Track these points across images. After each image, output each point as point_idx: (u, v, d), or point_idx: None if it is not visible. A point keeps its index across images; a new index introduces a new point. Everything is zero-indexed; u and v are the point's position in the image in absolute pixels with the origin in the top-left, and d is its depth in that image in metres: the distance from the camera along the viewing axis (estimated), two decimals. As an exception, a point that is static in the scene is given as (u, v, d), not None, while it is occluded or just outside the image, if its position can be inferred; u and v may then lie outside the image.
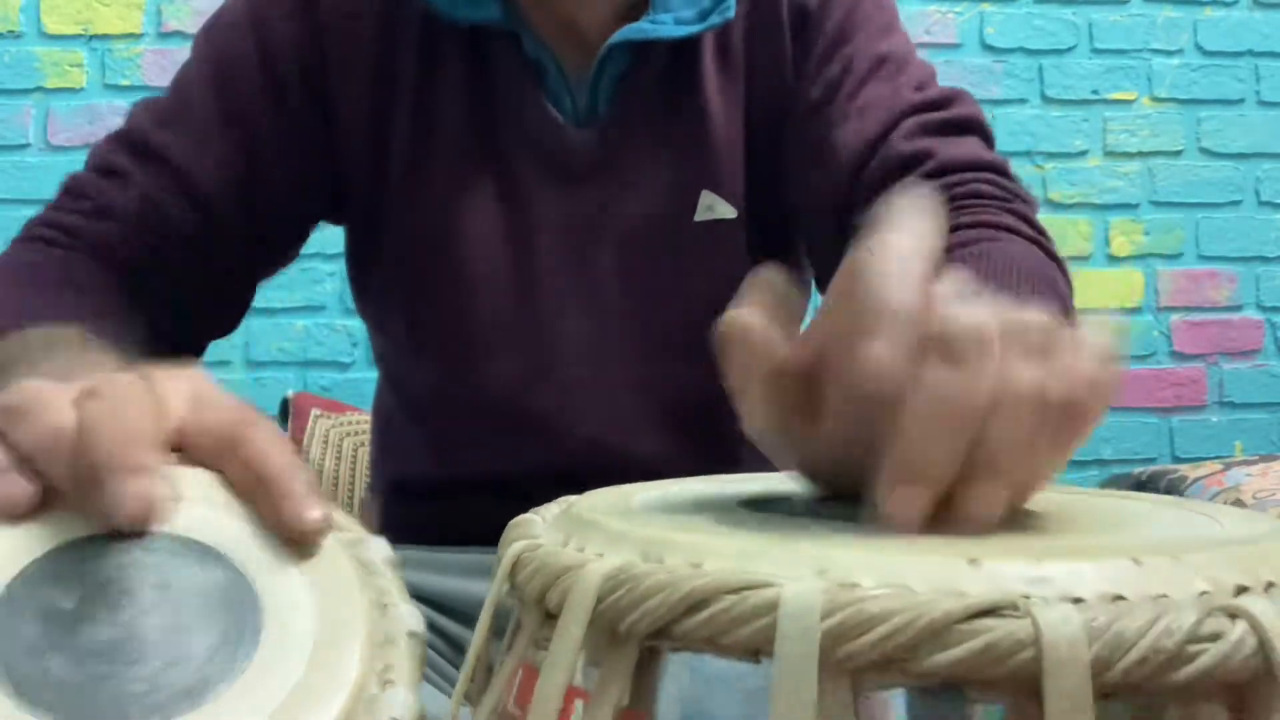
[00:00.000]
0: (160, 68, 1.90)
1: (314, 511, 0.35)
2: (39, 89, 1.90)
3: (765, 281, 0.38)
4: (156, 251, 0.74)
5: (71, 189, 0.76)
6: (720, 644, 0.27)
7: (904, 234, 0.35)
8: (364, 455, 1.49)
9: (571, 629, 0.28)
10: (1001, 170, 0.75)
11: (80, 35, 1.91)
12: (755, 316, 0.36)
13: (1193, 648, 0.25)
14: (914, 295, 0.33)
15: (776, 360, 0.36)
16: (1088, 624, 0.25)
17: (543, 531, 0.36)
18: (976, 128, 0.77)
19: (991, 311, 0.34)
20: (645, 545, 0.30)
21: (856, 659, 0.25)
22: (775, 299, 0.37)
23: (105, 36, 1.91)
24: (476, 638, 0.36)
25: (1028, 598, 0.26)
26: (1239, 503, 1.59)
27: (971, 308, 0.34)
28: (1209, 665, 0.25)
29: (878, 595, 0.26)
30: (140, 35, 1.91)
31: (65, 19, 1.91)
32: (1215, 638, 0.25)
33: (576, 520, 0.34)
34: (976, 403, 0.32)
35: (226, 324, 0.82)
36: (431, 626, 0.80)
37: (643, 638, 0.28)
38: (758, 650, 0.26)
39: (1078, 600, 0.26)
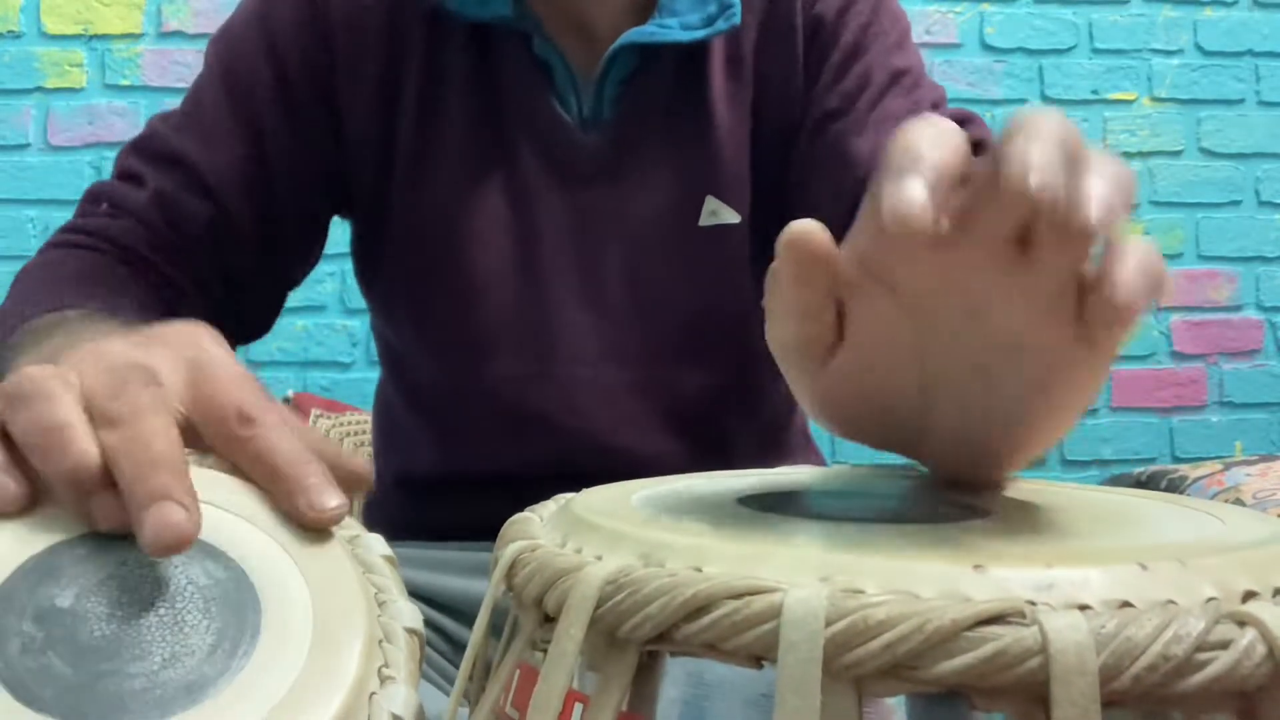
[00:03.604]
0: (160, 68, 1.90)
1: (329, 501, 0.36)
2: (39, 89, 1.89)
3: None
4: (173, 246, 0.76)
5: (91, 196, 0.78)
6: (722, 650, 0.26)
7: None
8: (365, 455, 1.49)
9: (571, 633, 0.28)
10: None
11: (80, 35, 1.90)
12: (818, 231, 0.34)
13: (1202, 655, 0.25)
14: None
15: (825, 253, 0.34)
16: (1096, 631, 0.25)
17: (540, 531, 0.35)
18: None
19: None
20: (645, 547, 0.30)
21: (861, 666, 0.25)
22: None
23: (105, 36, 1.91)
24: (474, 636, 0.35)
25: (1034, 604, 0.26)
26: (1239, 503, 1.58)
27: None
28: (1218, 673, 0.25)
29: (882, 602, 0.25)
30: (140, 35, 1.91)
31: (65, 19, 1.90)
32: (1224, 645, 0.25)
33: (574, 520, 0.34)
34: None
35: (256, 326, 0.83)
36: (431, 625, 0.80)
37: (643, 642, 0.28)
38: (760, 656, 0.26)
39: (1084, 607, 0.26)
